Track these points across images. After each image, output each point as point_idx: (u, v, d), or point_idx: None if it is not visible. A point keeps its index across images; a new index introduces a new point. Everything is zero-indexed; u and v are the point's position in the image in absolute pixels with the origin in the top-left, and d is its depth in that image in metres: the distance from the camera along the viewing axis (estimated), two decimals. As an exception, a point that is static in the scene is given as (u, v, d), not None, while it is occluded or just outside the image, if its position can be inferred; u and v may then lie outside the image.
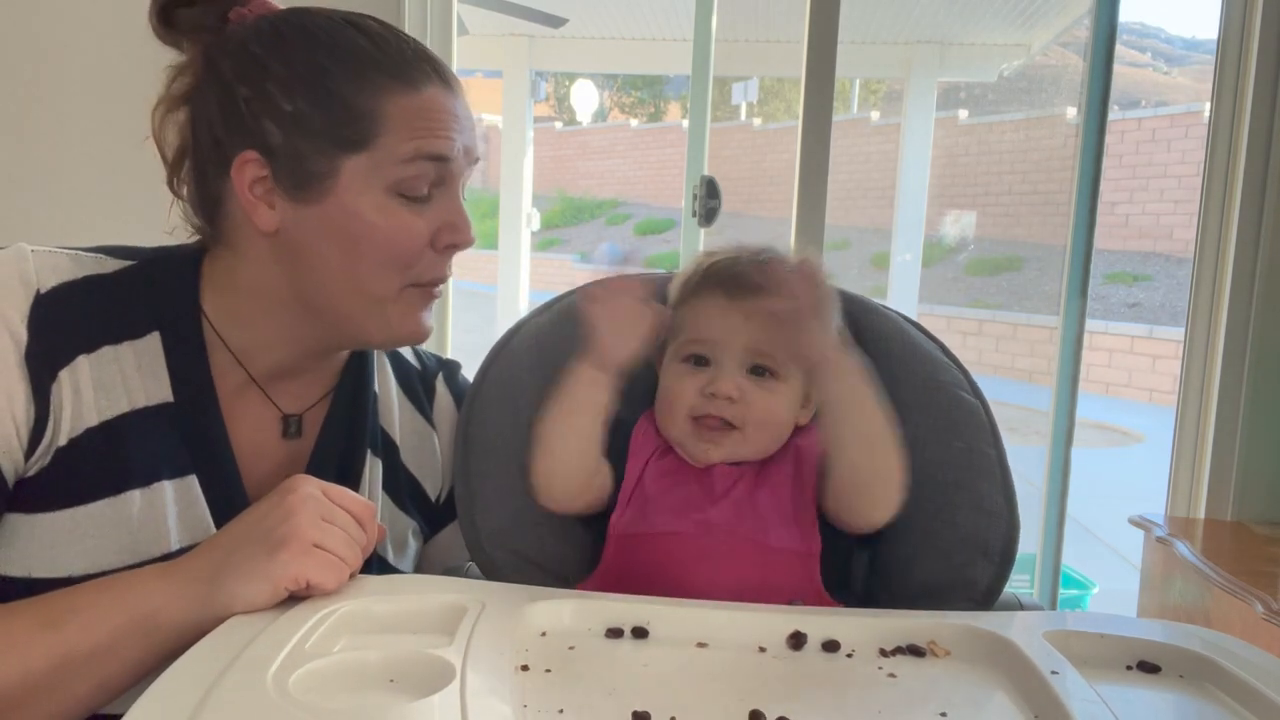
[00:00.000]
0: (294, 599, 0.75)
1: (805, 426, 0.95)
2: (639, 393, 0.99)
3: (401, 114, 0.84)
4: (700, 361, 0.92)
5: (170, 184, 0.91)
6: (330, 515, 0.78)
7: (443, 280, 0.91)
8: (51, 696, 0.73)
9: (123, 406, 0.84)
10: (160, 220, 0.90)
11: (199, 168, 0.88)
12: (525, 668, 0.70)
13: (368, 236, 0.84)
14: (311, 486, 0.79)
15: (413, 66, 0.86)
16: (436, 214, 0.87)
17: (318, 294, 0.87)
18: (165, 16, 0.87)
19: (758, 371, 0.91)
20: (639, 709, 0.63)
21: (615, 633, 0.77)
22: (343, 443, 0.96)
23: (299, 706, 0.59)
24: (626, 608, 0.79)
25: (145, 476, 0.84)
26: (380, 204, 0.84)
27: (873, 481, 0.88)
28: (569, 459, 0.90)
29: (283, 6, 0.90)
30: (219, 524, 0.85)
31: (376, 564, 0.94)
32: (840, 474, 0.88)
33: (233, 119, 0.84)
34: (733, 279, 0.92)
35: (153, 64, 0.89)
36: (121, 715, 0.57)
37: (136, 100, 0.92)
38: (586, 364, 0.88)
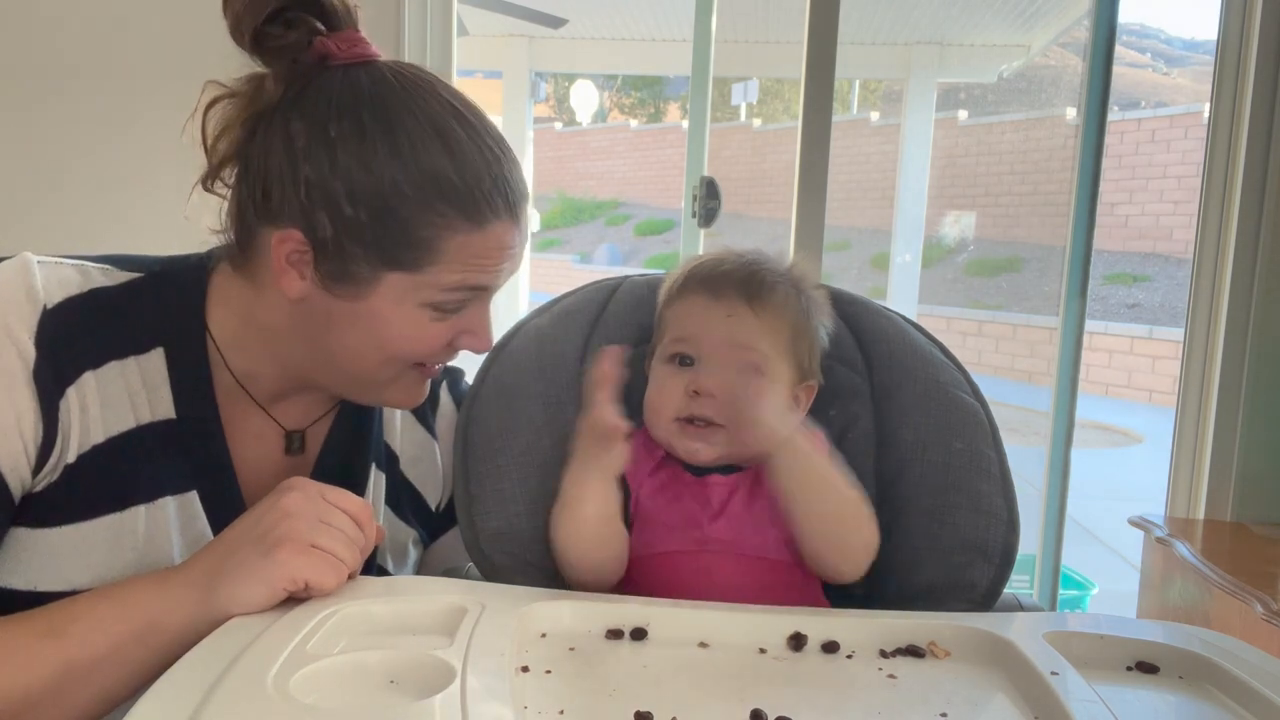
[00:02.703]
0: (294, 601, 0.75)
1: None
2: (634, 401, 0.99)
3: (459, 250, 0.83)
4: (685, 361, 0.92)
5: (205, 181, 0.87)
6: (327, 516, 0.78)
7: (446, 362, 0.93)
8: (53, 706, 0.73)
9: (129, 423, 0.83)
10: (162, 225, 0.89)
11: (241, 198, 0.85)
12: (525, 669, 0.70)
13: (389, 339, 0.85)
14: (308, 487, 0.79)
15: (485, 200, 0.83)
16: (461, 321, 0.87)
17: (325, 356, 0.88)
18: (257, 36, 0.82)
19: (743, 369, 0.91)
20: (640, 709, 0.63)
21: (615, 634, 0.77)
22: (345, 458, 0.96)
23: (299, 708, 0.59)
24: (626, 609, 0.79)
25: (150, 492, 0.84)
26: (411, 316, 0.84)
27: (841, 549, 0.87)
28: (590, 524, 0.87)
29: (375, 46, 0.85)
30: None
31: (376, 574, 0.94)
32: (807, 543, 0.87)
33: (290, 191, 0.81)
34: (716, 278, 0.93)
35: (153, 63, 0.88)
36: (121, 721, 0.57)
37: (139, 100, 0.91)
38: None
